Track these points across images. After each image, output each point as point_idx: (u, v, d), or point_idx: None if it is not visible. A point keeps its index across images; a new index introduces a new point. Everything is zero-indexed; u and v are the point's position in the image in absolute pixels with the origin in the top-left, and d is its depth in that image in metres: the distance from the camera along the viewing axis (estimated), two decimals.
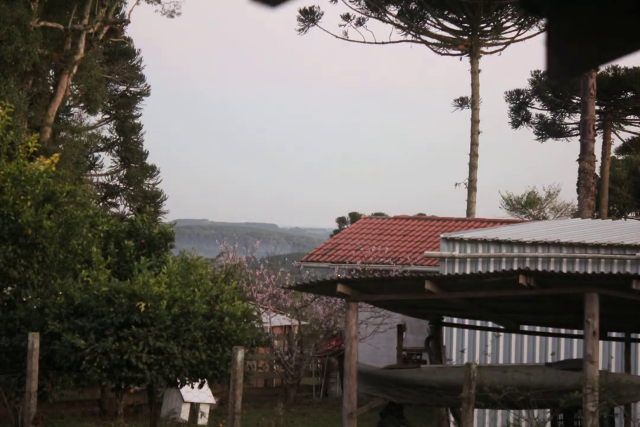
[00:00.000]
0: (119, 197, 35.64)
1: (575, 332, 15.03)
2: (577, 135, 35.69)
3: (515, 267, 16.99)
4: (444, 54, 42.11)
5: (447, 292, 11.44)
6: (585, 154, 30.11)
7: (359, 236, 27.43)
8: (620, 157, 45.87)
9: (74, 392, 16.93)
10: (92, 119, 34.69)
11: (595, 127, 34.28)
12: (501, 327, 14.83)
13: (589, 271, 12.49)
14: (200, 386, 15.03)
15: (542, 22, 36.15)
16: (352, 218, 60.58)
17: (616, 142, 44.98)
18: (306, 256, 27.01)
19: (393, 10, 41.13)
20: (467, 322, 16.38)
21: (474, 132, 39.91)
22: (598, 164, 37.04)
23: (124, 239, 16.55)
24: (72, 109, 33.69)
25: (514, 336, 17.57)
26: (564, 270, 14.84)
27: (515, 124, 42.74)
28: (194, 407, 19.31)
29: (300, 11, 40.58)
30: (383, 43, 41.08)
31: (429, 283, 11.00)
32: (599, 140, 39.86)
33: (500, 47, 41.46)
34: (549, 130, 43.01)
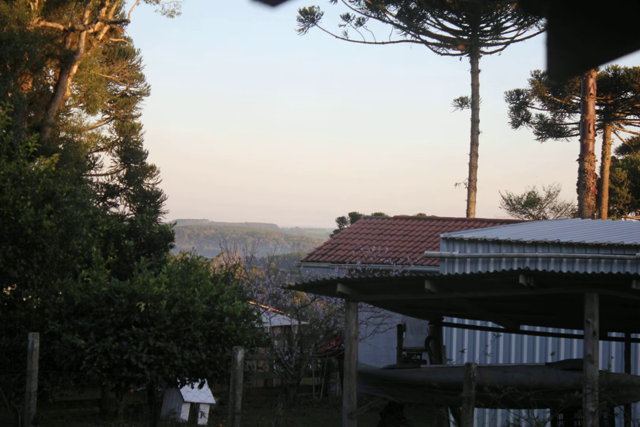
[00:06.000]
0: (119, 197, 35.64)
1: (575, 332, 15.02)
2: (577, 135, 35.68)
3: (515, 267, 16.99)
4: (444, 54, 42.14)
5: (447, 292, 11.43)
6: (585, 154, 30.11)
7: (359, 236, 27.43)
8: (620, 157, 45.86)
9: (74, 392, 16.92)
10: (92, 119, 34.71)
11: (595, 127, 34.28)
12: (501, 327, 14.82)
13: (589, 271, 12.46)
14: (200, 386, 15.02)
15: (542, 21, 36.25)
16: (352, 218, 60.52)
17: (616, 142, 45.03)
18: (306, 256, 27.01)
19: (392, 10, 41.17)
20: (467, 322, 16.38)
21: (474, 132, 39.93)
22: (598, 164, 37.04)
23: (124, 239, 16.55)
24: (72, 108, 33.70)
25: (514, 336, 17.57)
26: (564, 270, 14.81)
27: (515, 124, 42.75)
28: (194, 407, 19.31)
29: (300, 11, 40.60)
30: (383, 43, 41.10)
31: (428, 283, 10.99)
32: (599, 140, 39.90)
33: (500, 47, 41.52)
34: (549, 130, 43.02)
